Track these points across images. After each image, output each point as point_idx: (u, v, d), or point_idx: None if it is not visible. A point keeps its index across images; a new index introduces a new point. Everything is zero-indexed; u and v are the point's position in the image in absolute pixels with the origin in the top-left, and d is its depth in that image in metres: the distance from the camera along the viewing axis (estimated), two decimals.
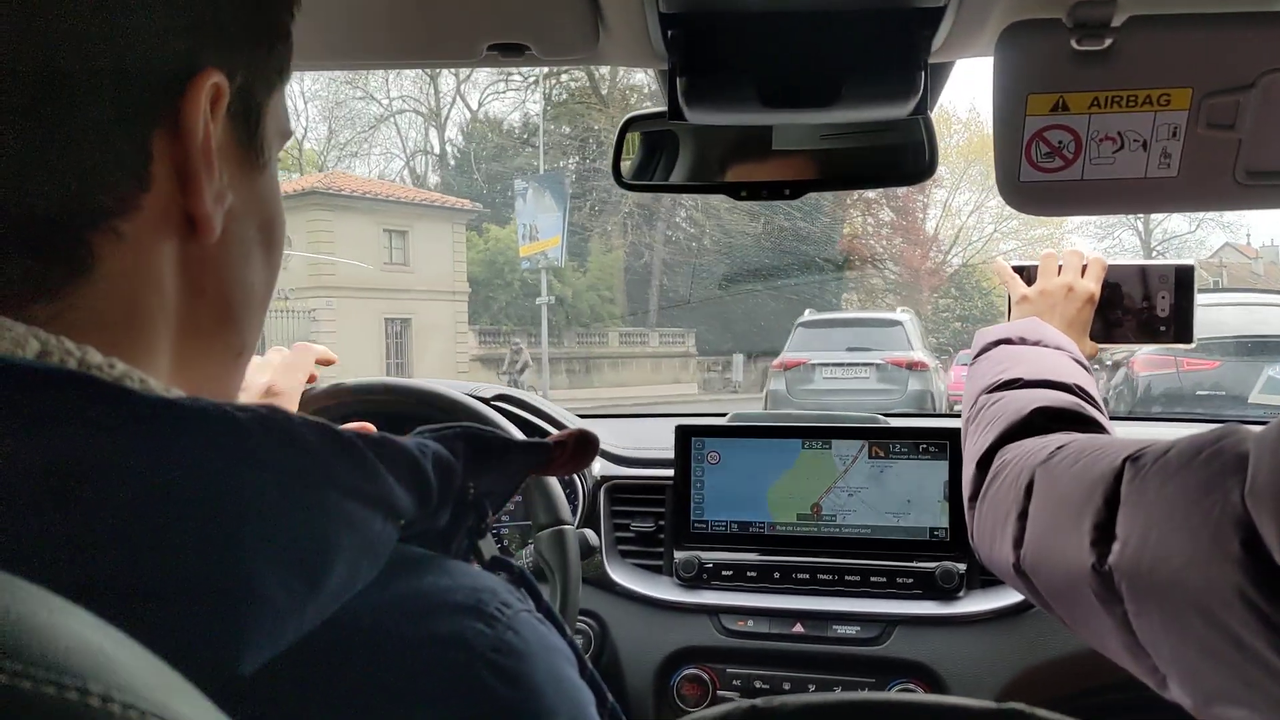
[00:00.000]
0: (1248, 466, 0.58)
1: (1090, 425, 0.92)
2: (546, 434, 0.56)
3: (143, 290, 0.40)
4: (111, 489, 0.30)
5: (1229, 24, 0.81)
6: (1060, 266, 1.19)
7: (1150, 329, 1.22)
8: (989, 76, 0.86)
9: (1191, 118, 0.83)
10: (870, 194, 25.81)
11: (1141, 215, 29.29)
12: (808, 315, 14.07)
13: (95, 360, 0.36)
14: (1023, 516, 0.82)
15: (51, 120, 0.36)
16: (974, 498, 0.94)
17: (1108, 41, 0.80)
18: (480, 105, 32.64)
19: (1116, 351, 9.24)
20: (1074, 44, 0.81)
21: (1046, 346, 1.06)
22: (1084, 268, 1.19)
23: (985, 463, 0.93)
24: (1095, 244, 33.62)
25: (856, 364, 11.67)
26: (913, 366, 11.57)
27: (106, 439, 0.31)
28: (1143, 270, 1.22)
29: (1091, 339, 1.19)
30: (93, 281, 0.38)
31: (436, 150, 33.72)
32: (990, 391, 1.02)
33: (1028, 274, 1.23)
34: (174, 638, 0.28)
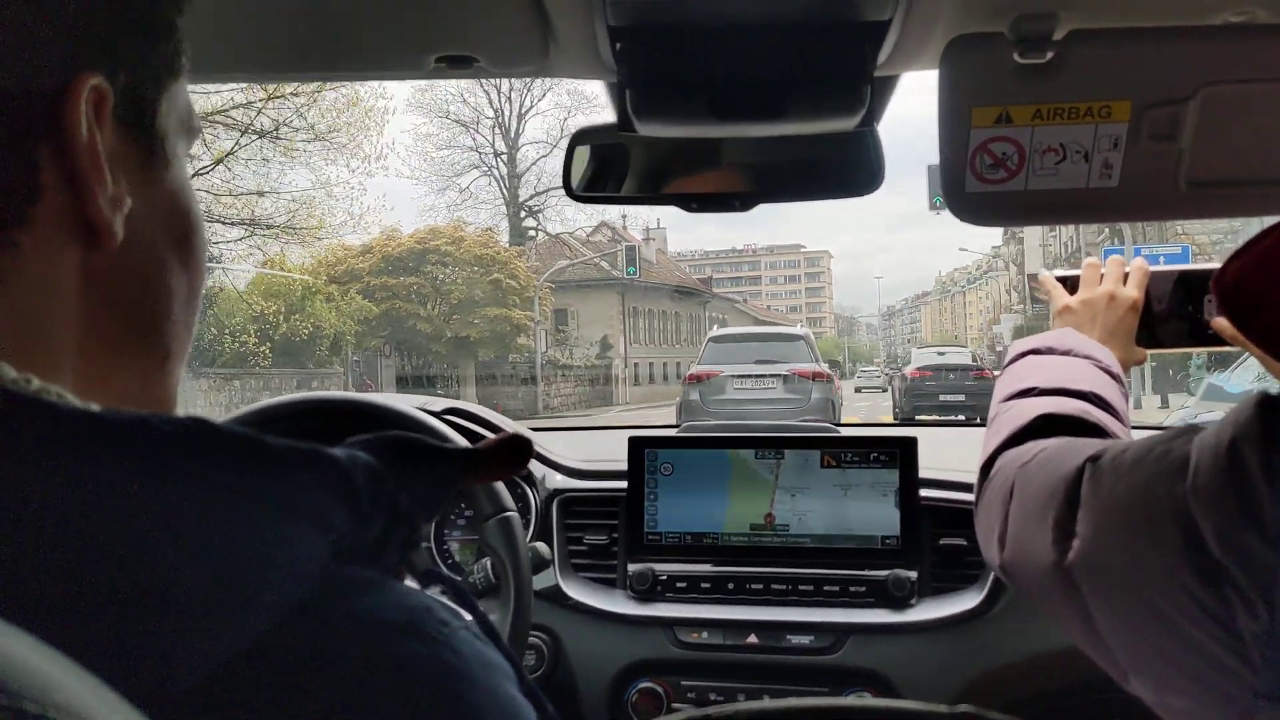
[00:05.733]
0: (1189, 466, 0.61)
1: (1093, 431, 0.93)
2: None
3: (40, 301, 0.39)
4: (33, 504, 0.30)
5: (1168, 38, 0.82)
6: (1102, 275, 1.18)
7: (1198, 333, 1.19)
8: (934, 90, 0.87)
9: (1132, 129, 0.84)
10: None
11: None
12: (717, 330, 15.72)
13: (9, 375, 0.35)
14: (1005, 519, 0.85)
15: None
16: (976, 503, 0.97)
17: (1049, 55, 0.81)
18: None
19: None
20: (1016, 57, 0.82)
21: (1075, 356, 1.06)
22: (1126, 275, 1.17)
23: (986, 468, 0.96)
24: None
25: (765, 375, 12.92)
26: (815, 377, 12.96)
27: (27, 453, 0.30)
28: (1186, 275, 1.20)
29: (1138, 345, 1.16)
30: None
31: None
32: (1005, 400, 1.03)
33: (1070, 284, 1.21)
34: (104, 656, 0.28)
